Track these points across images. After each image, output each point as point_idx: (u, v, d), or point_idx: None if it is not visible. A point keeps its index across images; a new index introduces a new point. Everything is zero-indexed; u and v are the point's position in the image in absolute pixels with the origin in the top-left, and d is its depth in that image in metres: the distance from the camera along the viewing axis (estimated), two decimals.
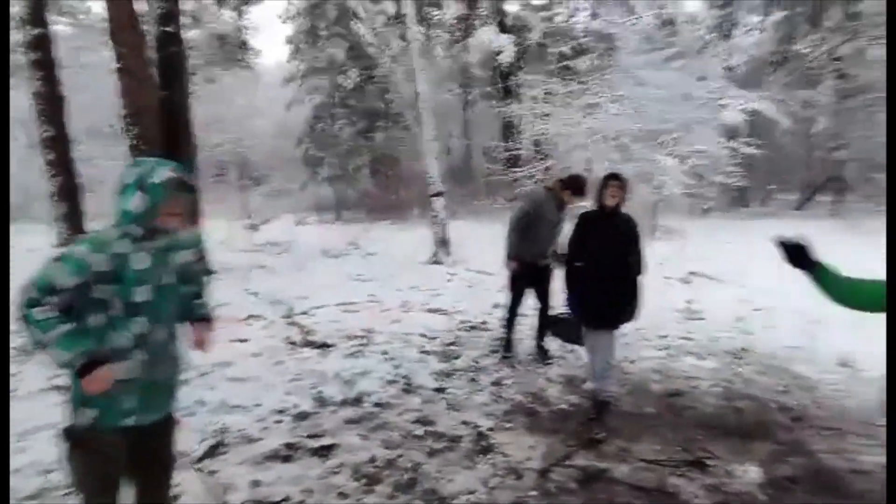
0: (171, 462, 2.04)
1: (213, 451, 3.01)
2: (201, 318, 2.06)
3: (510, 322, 4.53)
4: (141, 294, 1.74)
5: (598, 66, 15.22)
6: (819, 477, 2.80)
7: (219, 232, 10.41)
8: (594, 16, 16.57)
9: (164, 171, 1.73)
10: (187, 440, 3.06)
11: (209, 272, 1.70)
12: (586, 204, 3.91)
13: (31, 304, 1.64)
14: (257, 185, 22.13)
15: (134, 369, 1.75)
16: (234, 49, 22.08)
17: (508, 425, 3.36)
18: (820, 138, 18.14)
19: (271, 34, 29.86)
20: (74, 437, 1.75)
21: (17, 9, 9.50)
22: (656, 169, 11.05)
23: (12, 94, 16.28)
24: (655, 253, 8.74)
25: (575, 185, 4.31)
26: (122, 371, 1.71)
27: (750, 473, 2.81)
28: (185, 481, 2.64)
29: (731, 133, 12.65)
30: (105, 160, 15.51)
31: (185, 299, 1.97)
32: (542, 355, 4.48)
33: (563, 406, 3.67)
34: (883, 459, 1.92)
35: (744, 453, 3.01)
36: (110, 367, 1.67)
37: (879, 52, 15.63)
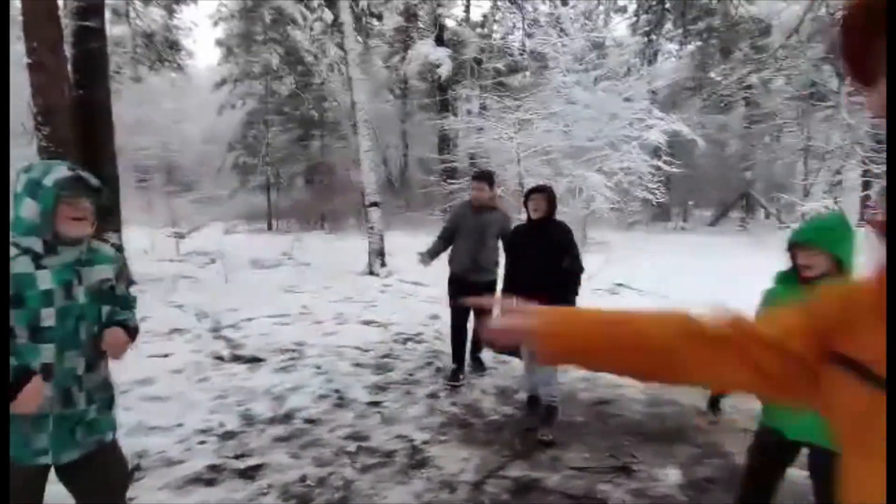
0: (115, 499, 1.82)
1: (130, 476, 2.81)
2: (116, 324, 1.74)
3: (455, 344, 4.34)
4: (47, 319, 1.54)
5: (532, 83, 15.75)
6: (735, 477, 2.98)
7: (142, 240, 9.84)
8: (529, 35, 17.13)
9: (56, 172, 1.53)
10: None
11: (130, 284, 1.48)
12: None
13: None
14: (185, 191, 21.10)
15: (43, 404, 1.52)
16: (163, 49, 21.07)
17: (443, 438, 3.35)
18: (732, 159, 19.64)
19: (201, 36, 28.80)
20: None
21: None
22: (585, 184, 11.52)
23: None
24: (586, 265, 9.11)
25: (476, 176, 4.48)
26: (43, 405, 1.51)
27: (671, 476, 2.95)
28: None
29: (654, 152, 13.41)
30: (20, 161, 14.31)
31: (106, 321, 1.71)
32: (478, 366, 4.52)
33: (497, 417, 3.71)
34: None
35: (667, 457, 3.16)
36: (37, 381, 1.47)
37: (781, 83, 17.17)
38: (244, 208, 18.83)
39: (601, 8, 19.02)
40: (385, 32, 20.64)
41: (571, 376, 4.51)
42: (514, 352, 3.92)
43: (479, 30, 20.11)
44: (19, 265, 1.52)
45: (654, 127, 12.01)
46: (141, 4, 19.55)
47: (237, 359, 4.66)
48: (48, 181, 1.50)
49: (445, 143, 17.77)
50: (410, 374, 4.43)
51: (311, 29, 17.83)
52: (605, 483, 2.88)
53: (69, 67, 6.78)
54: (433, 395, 4.03)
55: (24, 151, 15.05)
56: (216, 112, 19.61)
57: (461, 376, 4.30)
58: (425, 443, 3.27)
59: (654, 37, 20.37)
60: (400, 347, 5.21)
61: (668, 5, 19.96)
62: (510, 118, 12.57)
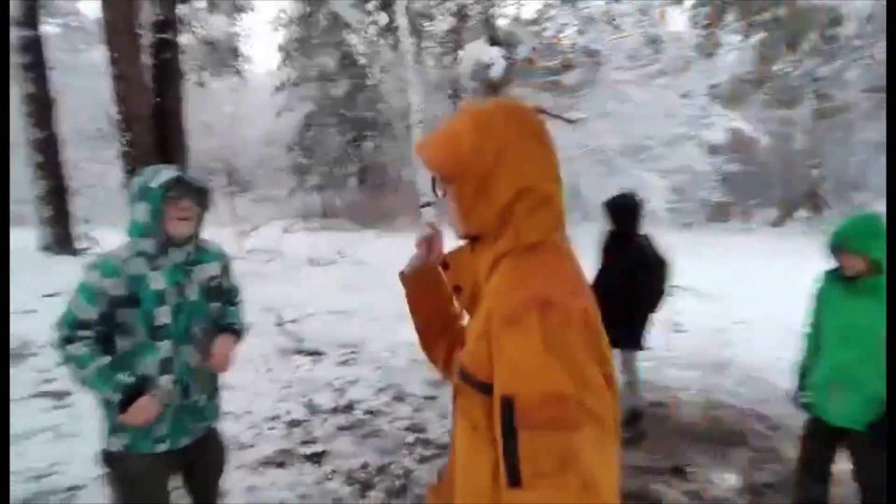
0: (214, 482, 1.97)
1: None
2: (225, 329, 1.85)
3: None
4: (162, 316, 1.64)
5: (585, 81, 15.54)
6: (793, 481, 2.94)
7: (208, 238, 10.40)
8: (581, 32, 16.91)
9: (162, 175, 1.62)
10: None
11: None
12: None
13: (65, 340, 1.60)
14: (244, 191, 22.05)
15: (163, 396, 1.66)
16: (225, 55, 22.10)
17: None
18: (798, 156, 18.68)
19: (261, 41, 29.94)
20: (110, 461, 1.70)
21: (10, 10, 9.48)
22: (639, 184, 11.30)
23: None
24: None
25: None
26: (164, 397, 1.65)
27: (728, 480, 2.94)
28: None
29: (713, 150, 12.98)
30: (92, 163, 15.39)
31: (216, 317, 1.83)
32: None
33: None
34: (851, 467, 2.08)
35: (723, 460, 3.14)
36: (151, 398, 1.61)
37: (856, 73, 16.20)
38: (301, 208, 19.48)
39: (657, 3, 18.51)
40: (437, 33, 20.85)
41: (625, 379, 4.51)
42: None
43: (531, 28, 20.00)
44: (134, 267, 1.63)
45: (713, 124, 11.64)
46: (205, 13, 20.60)
47: (300, 352, 4.92)
48: (155, 184, 1.60)
49: None
50: None
51: (366, 32, 18.25)
52: (658, 483, 2.90)
53: (147, 77, 7.30)
54: None
55: (101, 154, 16.12)
56: (275, 115, 20.36)
57: None
58: None
59: (714, 29, 19.64)
60: None
61: None
62: (564, 116, 12.50)
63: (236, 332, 1.88)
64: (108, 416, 1.66)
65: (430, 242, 1.17)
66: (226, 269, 1.88)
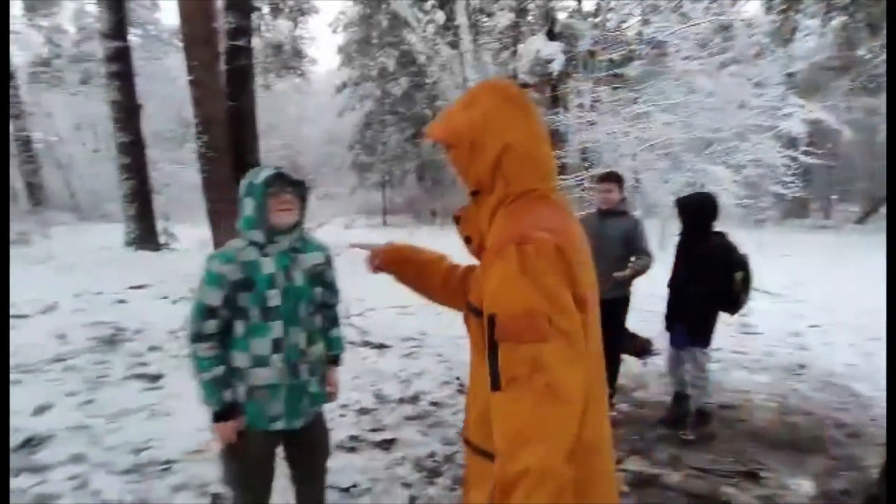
0: (322, 465, 2.12)
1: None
2: (333, 360, 2.10)
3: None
4: (273, 298, 1.80)
5: (649, 72, 15.08)
6: (871, 490, 2.81)
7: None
8: (646, 22, 16.39)
9: (263, 172, 1.81)
10: None
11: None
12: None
13: (197, 337, 1.78)
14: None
15: (275, 375, 1.83)
16: (288, 58, 22.95)
17: None
18: (884, 148, 17.34)
19: (321, 43, 30.87)
20: (217, 419, 1.82)
21: (99, 25, 10.27)
22: (707, 178, 10.88)
23: (84, 102, 17.47)
24: None
25: (603, 177, 3.91)
26: (275, 376, 1.83)
27: (804, 487, 2.84)
28: None
29: (790, 142, 12.30)
30: (168, 164, 16.46)
31: (322, 304, 2.01)
32: None
33: (613, 413, 3.75)
34: None
35: (798, 467, 3.04)
36: (236, 424, 1.81)
37: None
38: (362, 205, 19.99)
39: None
40: (494, 29, 20.78)
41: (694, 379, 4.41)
42: (640, 352, 3.95)
43: (591, 20, 19.59)
44: (247, 254, 1.81)
45: (790, 115, 11.02)
46: (270, 17, 21.46)
47: (367, 344, 5.11)
48: (257, 180, 1.79)
49: (555, 138, 17.56)
50: None
51: (424, 31, 18.44)
52: (729, 486, 2.84)
53: (222, 82, 7.73)
54: None
55: (174, 154, 17.14)
56: (337, 115, 20.94)
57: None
58: None
59: (790, 14, 18.52)
60: None
61: None
62: (625, 111, 12.19)
63: (336, 362, 2.15)
64: (207, 384, 1.82)
65: (371, 256, 1.53)
66: (328, 261, 2.04)
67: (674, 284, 3.55)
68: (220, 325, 1.80)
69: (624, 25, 19.32)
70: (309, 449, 2.05)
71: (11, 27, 16.33)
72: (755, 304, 6.79)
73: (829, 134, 13.82)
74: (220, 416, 1.80)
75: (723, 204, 10.77)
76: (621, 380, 4.30)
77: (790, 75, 14.31)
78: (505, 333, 0.93)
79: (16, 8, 19.79)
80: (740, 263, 3.29)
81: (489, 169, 1.11)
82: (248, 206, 1.81)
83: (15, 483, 2.76)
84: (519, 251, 0.96)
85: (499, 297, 0.96)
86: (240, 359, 1.81)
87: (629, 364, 4.63)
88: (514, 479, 0.87)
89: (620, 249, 3.57)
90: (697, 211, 3.44)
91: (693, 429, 3.41)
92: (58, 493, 2.68)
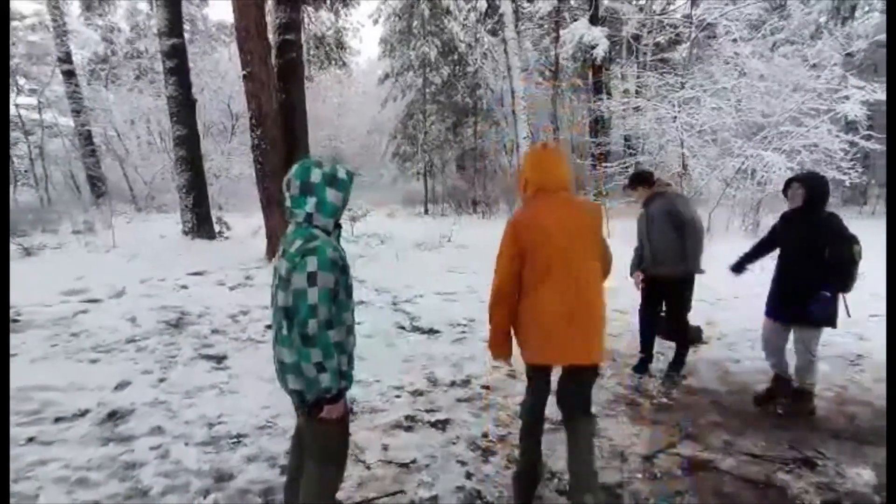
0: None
1: None
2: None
3: (643, 336, 4.33)
4: (350, 279, 2.00)
5: (697, 56, 14.62)
6: None
7: None
8: (694, 3, 15.86)
9: (340, 168, 1.95)
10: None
11: None
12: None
13: (328, 324, 1.84)
14: None
15: (356, 341, 2.07)
16: (331, 49, 23.29)
17: (611, 413, 3.53)
18: None
19: (362, 33, 31.10)
20: (334, 401, 1.93)
21: (154, 23, 10.71)
22: (759, 164, 10.53)
23: (138, 97, 18.21)
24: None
25: (627, 185, 4.43)
26: (354, 344, 2.05)
27: (864, 476, 2.81)
28: None
29: (848, 126, 11.76)
30: (217, 155, 17.07)
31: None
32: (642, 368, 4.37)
33: (665, 400, 3.77)
34: None
35: (857, 456, 3.00)
36: (345, 404, 2.01)
37: None
38: (404, 194, 20.20)
39: None
40: (535, 15, 20.51)
41: (746, 366, 4.38)
42: (691, 340, 3.98)
43: (636, 3, 19.09)
44: (336, 239, 2.00)
45: (849, 98, 10.53)
46: (313, 10, 21.80)
47: (416, 329, 5.26)
48: (342, 175, 1.95)
49: (599, 124, 17.28)
50: None
51: (466, 19, 18.39)
52: (785, 473, 2.84)
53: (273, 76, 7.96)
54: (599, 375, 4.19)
55: (224, 147, 17.66)
56: (379, 105, 21.13)
57: (649, 365, 4.28)
58: (595, 415, 3.46)
59: None
60: None
61: None
62: (672, 96, 11.90)
63: None
64: (334, 368, 1.87)
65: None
66: None
67: (784, 264, 3.53)
68: (335, 309, 1.89)
69: (671, 8, 18.77)
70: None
71: (70, 26, 17.27)
72: None
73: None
74: (340, 395, 1.94)
75: (775, 190, 10.45)
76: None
77: (849, 55, 13.61)
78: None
79: (73, 7, 20.82)
80: (855, 238, 3.28)
81: (522, 187, 2.57)
82: (331, 196, 1.93)
83: (104, 451, 3.03)
84: (506, 228, 2.43)
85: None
86: (337, 334, 1.91)
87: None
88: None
89: (669, 226, 3.92)
90: (819, 186, 3.43)
91: (789, 404, 3.53)
92: (143, 461, 2.93)
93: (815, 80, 10.83)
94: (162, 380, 4.03)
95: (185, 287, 6.83)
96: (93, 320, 5.39)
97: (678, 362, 4.16)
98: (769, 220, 11.41)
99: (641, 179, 4.21)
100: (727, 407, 3.65)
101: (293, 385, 1.95)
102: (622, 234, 6.40)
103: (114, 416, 3.44)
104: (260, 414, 3.47)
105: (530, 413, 2.59)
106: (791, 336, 3.54)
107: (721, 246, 9.90)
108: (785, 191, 3.56)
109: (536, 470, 2.64)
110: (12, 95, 15.90)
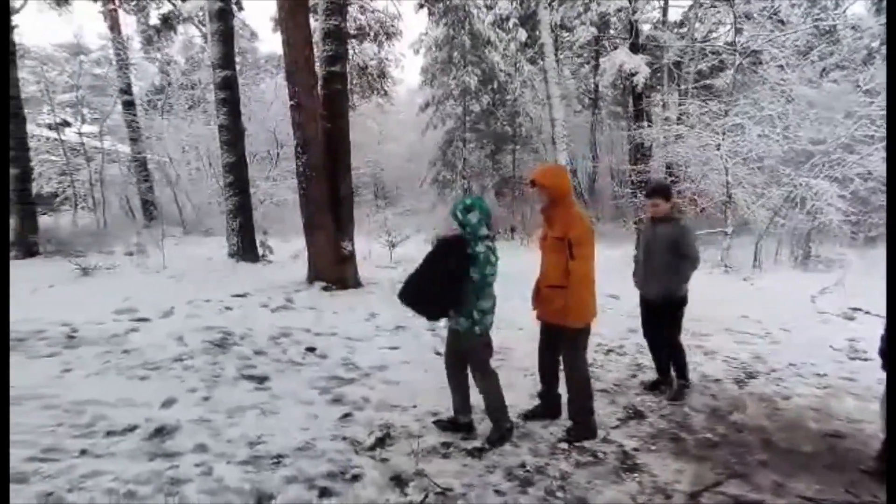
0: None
1: (381, 443, 3.45)
2: None
3: (653, 357, 4.52)
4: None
5: (741, 83, 14.39)
6: None
7: (361, 247, 11.37)
8: (738, 30, 15.69)
9: (479, 199, 3.49)
10: (359, 431, 3.56)
11: None
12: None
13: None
14: (390, 205, 23.64)
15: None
16: (373, 79, 24.00)
17: (653, 448, 3.43)
18: None
19: (405, 62, 31.95)
20: (480, 336, 3.42)
21: (208, 55, 11.31)
22: (809, 193, 10.19)
23: (190, 125, 19.13)
24: (811, 284, 8.11)
25: (649, 193, 4.45)
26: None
27: None
28: (363, 466, 3.11)
29: None
30: (262, 181, 17.69)
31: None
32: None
33: (709, 436, 3.64)
34: None
35: None
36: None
37: None
38: (442, 220, 20.34)
39: None
40: (574, 43, 20.67)
41: (798, 403, 4.19)
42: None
43: (678, 30, 19.01)
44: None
45: None
46: (356, 42, 22.58)
47: None
48: (485, 204, 3.40)
49: (638, 152, 17.12)
50: (616, 385, 4.55)
51: (506, 49, 18.67)
52: None
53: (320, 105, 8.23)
54: (639, 407, 4.10)
55: (269, 173, 18.24)
56: (420, 133, 21.53)
57: (662, 387, 4.37)
58: (635, 450, 3.38)
59: None
60: (602, 358, 5.33)
61: None
62: (716, 123, 11.71)
63: None
64: (478, 320, 3.38)
65: None
66: None
67: None
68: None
69: (713, 35, 18.62)
70: None
71: (131, 60, 18.41)
72: (865, 327, 6.31)
73: None
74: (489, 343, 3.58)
75: (826, 220, 10.06)
76: (719, 402, 4.16)
77: None
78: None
79: (134, 42, 22.20)
80: None
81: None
82: (475, 217, 3.31)
83: (151, 466, 3.13)
84: None
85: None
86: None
87: (725, 386, 4.48)
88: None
89: (668, 252, 4.12)
90: None
91: None
92: (187, 478, 3.00)
93: (868, 107, 10.49)
94: (206, 398, 4.14)
95: (229, 308, 7.02)
96: (142, 338, 5.60)
97: (680, 392, 4.27)
98: (822, 252, 11.03)
99: (664, 192, 4.29)
100: (777, 445, 3.49)
101: None
102: None
103: (160, 432, 3.55)
104: (298, 436, 3.52)
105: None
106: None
107: (769, 277, 9.58)
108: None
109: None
110: (76, 124, 16.98)
